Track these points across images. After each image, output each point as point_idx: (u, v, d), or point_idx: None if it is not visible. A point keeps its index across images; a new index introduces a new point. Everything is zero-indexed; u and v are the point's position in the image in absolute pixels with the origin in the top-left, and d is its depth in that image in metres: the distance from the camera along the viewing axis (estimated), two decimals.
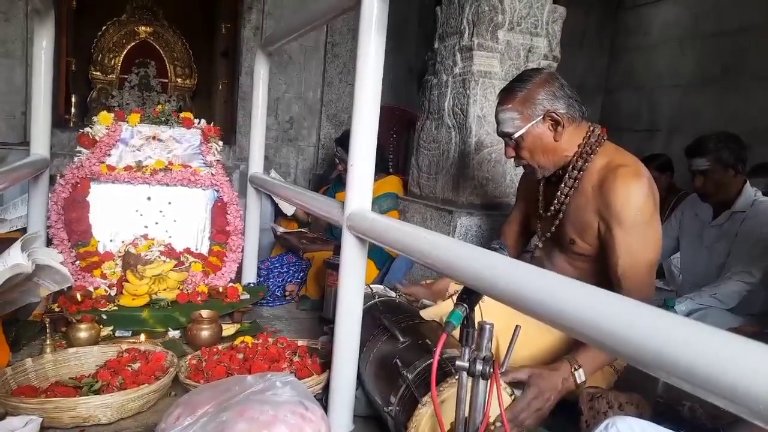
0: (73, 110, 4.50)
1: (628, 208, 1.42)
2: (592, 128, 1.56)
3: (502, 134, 1.61)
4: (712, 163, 2.15)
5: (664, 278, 2.64)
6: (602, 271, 1.56)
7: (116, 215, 2.43)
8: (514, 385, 1.30)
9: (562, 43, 2.57)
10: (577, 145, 1.54)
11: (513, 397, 1.25)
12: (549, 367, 1.35)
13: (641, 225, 1.43)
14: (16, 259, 1.55)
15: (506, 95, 1.57)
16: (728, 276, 2.12)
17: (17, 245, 1.60)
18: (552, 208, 1.61)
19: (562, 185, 1.57)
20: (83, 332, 1.82)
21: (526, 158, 1.58)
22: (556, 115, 1.51)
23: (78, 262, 2.26)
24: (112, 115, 2.46)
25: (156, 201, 2.49)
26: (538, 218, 1.71)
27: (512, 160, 1.64)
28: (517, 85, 1.54)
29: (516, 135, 1.54)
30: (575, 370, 1.33)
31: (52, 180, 2.34)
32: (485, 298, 1.00)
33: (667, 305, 2.14)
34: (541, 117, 1.51)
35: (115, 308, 2.10)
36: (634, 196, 1.42)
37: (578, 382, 1.34)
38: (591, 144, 1.54)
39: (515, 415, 1.23)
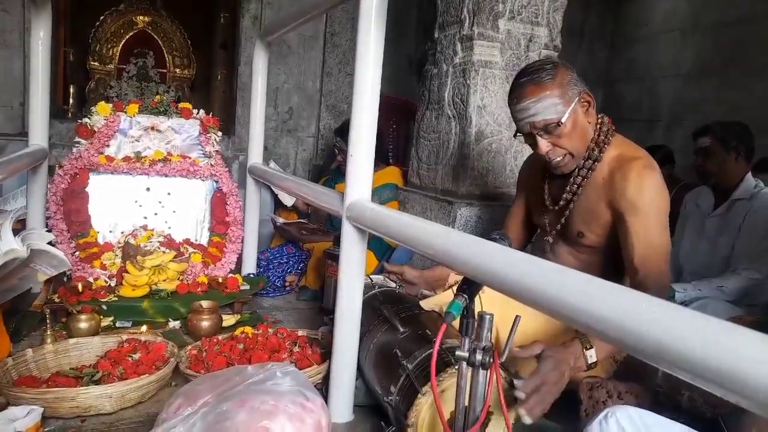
0: (71, 101, 4.47)
1: (643, 198, 1.42)
2: (601, 117, 1.55)
3: (540, 125, 1.48)
4: (713, 141, 2.19)
5: None
6: (607, 262, 1.56)
7: (115, 206, 2.42)
8: (516, 375, 1.30)
9: (563, 34, 2.55)
10: (594, 131, 1.53)
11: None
12: (559, 345, 1.31)
13: (656, 215, 1.43)
14: (9, 244, 1.54)
15: (535, 86, 1.46)
16: (737, 271, 2.12)
17: (7, 227, 1.58)
18: (561, 201, 1.60)
19: (573, 177, 1.55)
20: (83, 323, 1.82)
21: (565, 147, 1.50)
22: (588, 95, 1.49)
23: (77, 252, 2.26)
24: (111, 105, 2.44)
25: (155, 192, 2.49)
26: (545, 212, 1.70)
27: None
28: (543, 74, 1.46)
29: (563, 119, 1.45)
30: (587, 349, 1.29)
31: (51, 171, 2.34)
32: (485, 288, 1.00)
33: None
34: (577, 98, 1.47)
35: (115, 299, 2.10)
36: (649, 186, 1.43)
37: (589, 362, 1.29)
38: (603, 133, 1.53)
39: (536, 386, 1.15)
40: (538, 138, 1.50)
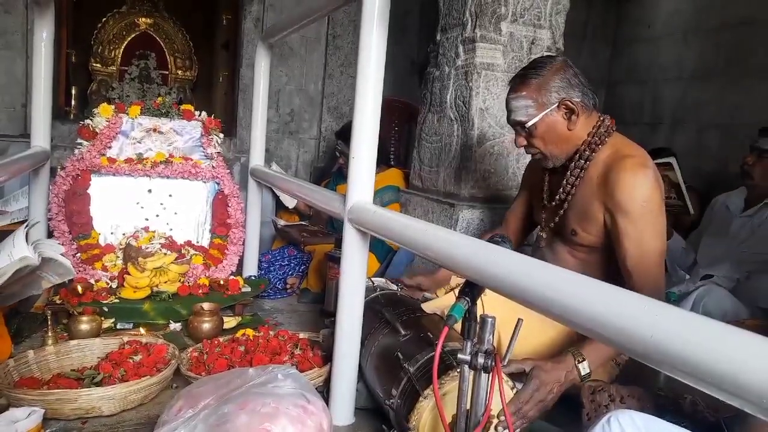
0: (73, 102, 4.48)
1: (635, 198, 1.40)
2: (602, 118, 1.54)
3: (514, 123, 1.56)
4: None
5: (666, 272, 2.65)
6: (604, 262, 1.55)
7: (117, 208, 2.42)
8: (516, 377, 1.29)
9: (565, 36, 2.55)
10: (587, 134, 1.52)
11: (515, 390, 1.25)
12: (552, 360, 1.34)
13: (648, 215, 1.41)
14: (22, 251, 1.55)
15: (520, 82, 1.52)
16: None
17: (21, 234, 1.60)
18: (557, 197, 1.60)
19: (568, 174, 1.55)
20: (85, 324, 1.82)
21: (538, 147, 1.55)
22: (570, 104, 1.48)
23: (79, 254, 2.25)
24: (113, 107, 2.45)
25: (157, 193, 2.49)
26: (543, 208, 1.70)
27: (517, 149, 1.62)
28: (531, 72, 1.50)
29: (529, 123, 1.50)
30: (579, 362, 1.32)
31: (53, 172, 2.34)
32: (487, 291, 1.00)
33: (669, 298, 2.14)
34: (555, 105, 1.48)
35: (117, 300, 2.10)
36: (640, 186, 1.40)
37: (582, 374, 1.32)
38: (600, 134, 1.52)
39: (518, 408, 1.23)
40: (516, 132, 1.59)
